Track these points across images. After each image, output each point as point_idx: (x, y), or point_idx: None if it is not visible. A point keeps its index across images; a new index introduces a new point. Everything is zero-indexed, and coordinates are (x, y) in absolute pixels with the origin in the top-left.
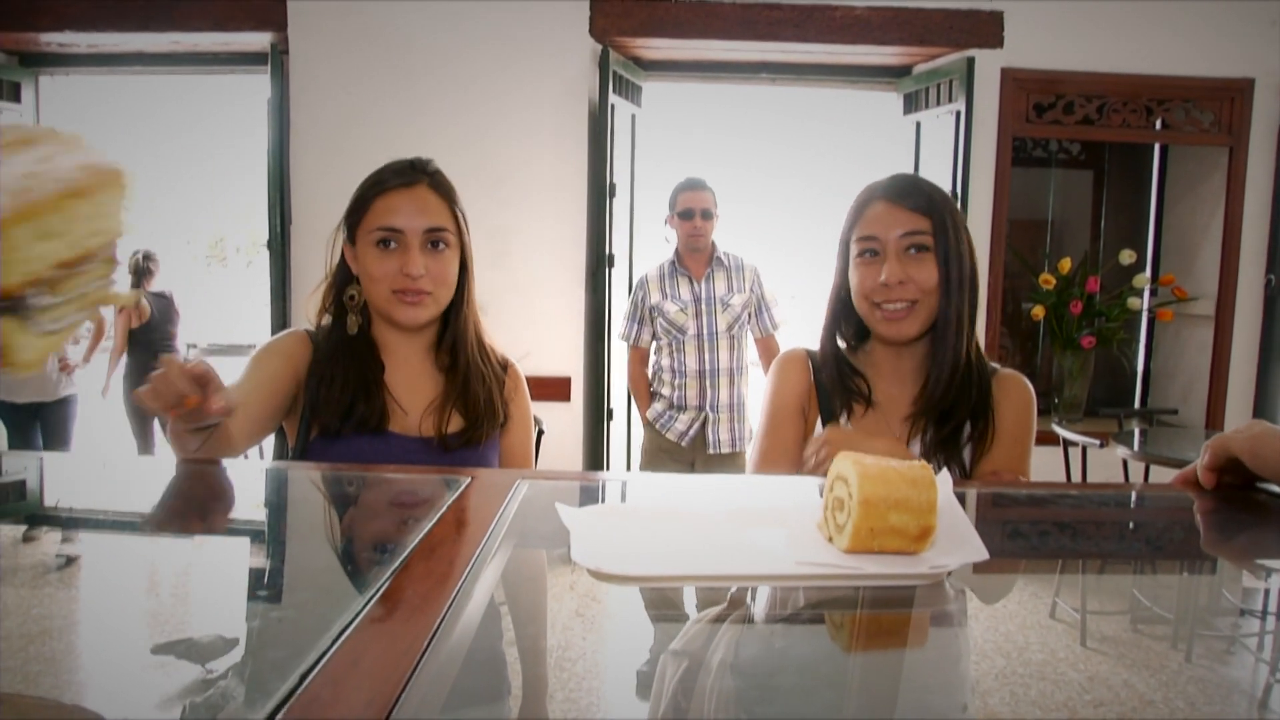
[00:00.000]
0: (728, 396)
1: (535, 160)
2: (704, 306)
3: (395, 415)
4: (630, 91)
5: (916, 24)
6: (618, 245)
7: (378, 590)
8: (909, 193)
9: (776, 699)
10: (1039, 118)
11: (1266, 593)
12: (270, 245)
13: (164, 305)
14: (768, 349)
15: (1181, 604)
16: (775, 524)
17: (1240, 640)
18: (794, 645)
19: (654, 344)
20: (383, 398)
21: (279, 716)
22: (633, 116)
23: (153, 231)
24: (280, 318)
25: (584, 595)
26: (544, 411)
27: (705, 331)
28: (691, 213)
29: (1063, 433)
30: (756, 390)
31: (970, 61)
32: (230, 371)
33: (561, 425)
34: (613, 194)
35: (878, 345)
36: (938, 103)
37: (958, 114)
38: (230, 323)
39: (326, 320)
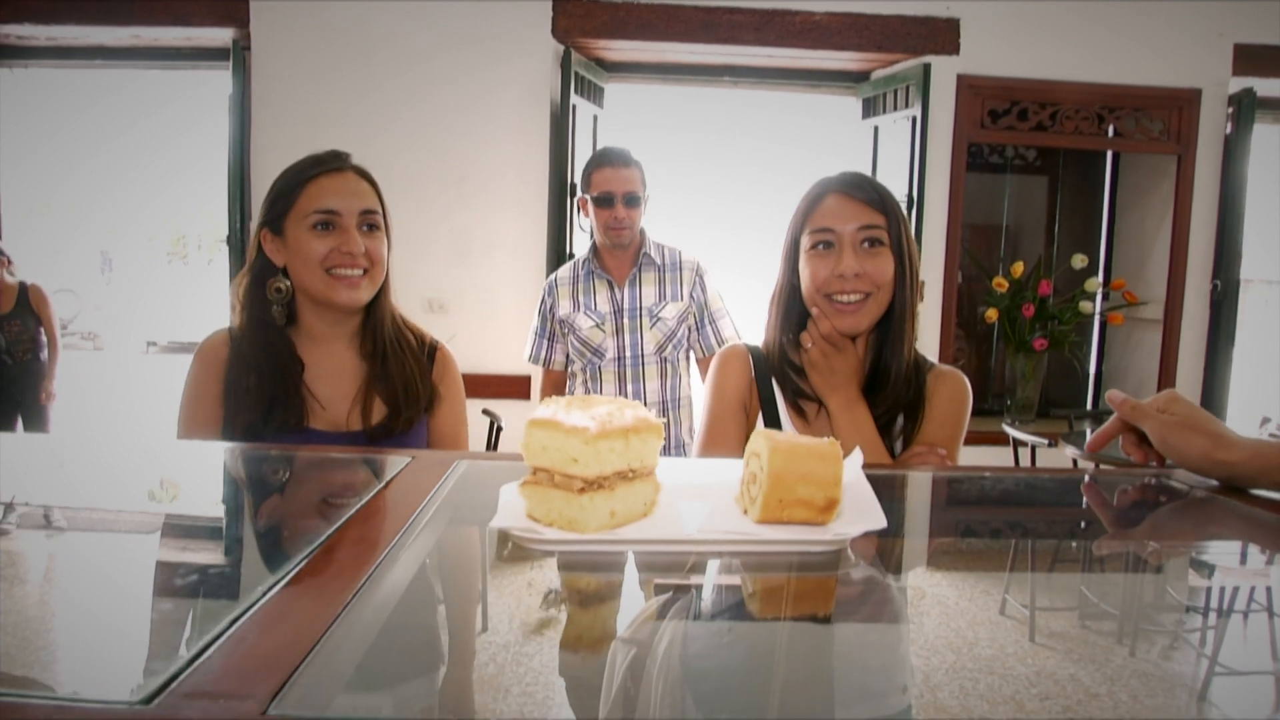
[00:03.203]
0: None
1: (497, 159)
2: (626, 321)
3: (315, 412)
4: (592, 92)
5: (874, 30)
6: (579, 245)
7: (296, 565)
8: (863, 187)
9: (721, 683)
10: (994, 124)
11: (1209, 590)
12: (230, 241)
13: None
14: None
15: (1127, 600)
16: (696, 498)
17: (1183, 635)
18: (740, 630)
19: (569, 367)
20: (302, 396)
21: (171, 687)
22: (594, 117)
23: (114, 229)
24: None
25: (525, 583)
26: (502, 409)
27: (628, 354)
28: (611, 197)
29: (1013, 433)
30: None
31: (927, 68)
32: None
33: (519, 422)
34: (573, 194)
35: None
36: (895, 108)
37: (914, 119)
38: (192, 320)
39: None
